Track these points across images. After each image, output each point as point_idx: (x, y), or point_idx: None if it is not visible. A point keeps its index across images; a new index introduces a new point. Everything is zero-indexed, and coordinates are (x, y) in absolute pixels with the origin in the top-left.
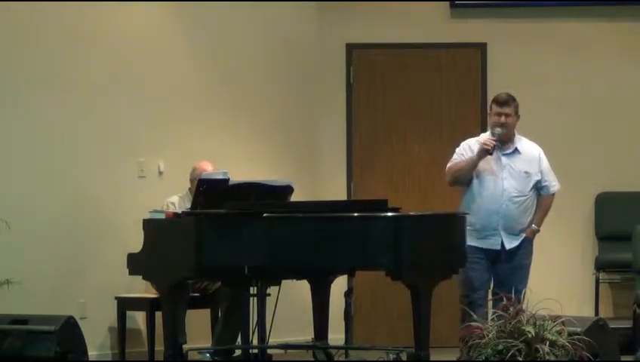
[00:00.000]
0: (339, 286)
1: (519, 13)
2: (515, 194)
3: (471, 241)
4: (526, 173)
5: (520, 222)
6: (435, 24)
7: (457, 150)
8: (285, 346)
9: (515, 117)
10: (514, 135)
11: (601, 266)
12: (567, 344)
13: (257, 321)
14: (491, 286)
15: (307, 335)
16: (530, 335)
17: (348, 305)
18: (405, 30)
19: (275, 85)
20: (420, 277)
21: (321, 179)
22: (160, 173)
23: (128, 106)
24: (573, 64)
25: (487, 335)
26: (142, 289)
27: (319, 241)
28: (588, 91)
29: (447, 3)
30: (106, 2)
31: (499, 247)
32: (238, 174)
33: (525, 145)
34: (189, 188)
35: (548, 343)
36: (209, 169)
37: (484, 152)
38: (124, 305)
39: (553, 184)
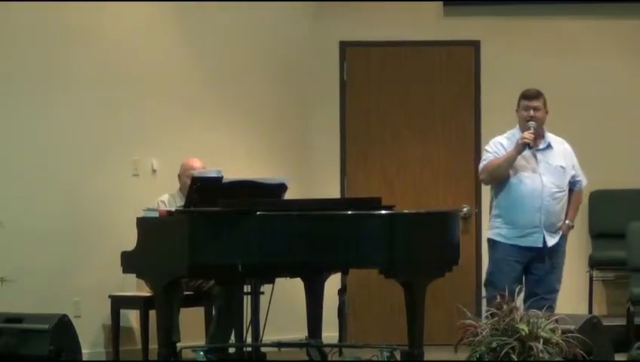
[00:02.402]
0: (332, 284)
1: (513, 10)
2: (555, 190)
3: (509, 240)
4: (562, 167)
5: (559, 218)
6: (429, 22)
7: (488, 148)
8: (279, 344)
9: (544, 111)
10: (544, 130)
11: (594, 264)
12: (561, 342)
13: (251, 319)
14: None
15: (301, 333)
16: (523, 333)
17: (341, 302)
18: (399, 28)
19: (268, 83)
20: (414, 275)
21: (315, 177)
22: (153, 171)
23: (122, 105)
24: (567, 62)
25: (481, 333)
26: (136, 287)
27: (313, 239)
28: (582, 89)
29: (441, 1)
30: (100, 1)
31: (541, 245)
32: (232, 172)
33: (555, 140)
34: (180, 187)
35: (542, 341)
36: (197, 165)
37: (524, 146)
38: (118, 303)
39: (584, 178)
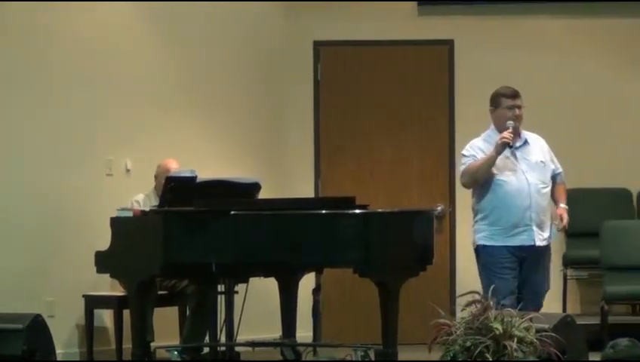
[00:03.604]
0: (307, 283)
1: (487, 9)
2: (541, 186)
3: (498, 241)
4: (542, 162)
5: (547, 215)
6: (402, 21)
7: (466, 153)
8: (253, 344)
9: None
10: (519, 128)
11: (569, 263)
12: (535, 341)
13: (225, 319)
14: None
15: (275, 333)
16: (497, 332)
17: (316, 302)
18: (372, 27)
19: (242, 83)
20: (388, 274)
21: (289, 177)
22: (127, 171)
23: (96, 105)
24: (542, 61)
25: (455, 332)
26: (110, 287)
27: (287, 239)
28: (557, 88)
29: (415, 1)
30: (74, 2)
31: (532, 243)
32: (206, 172)
33: (530, 136)
34: (155, 186)
35: (516, 340)
36: (174, 166)
37: (504, 146)
38: (92, 303)
39: (562, 170)
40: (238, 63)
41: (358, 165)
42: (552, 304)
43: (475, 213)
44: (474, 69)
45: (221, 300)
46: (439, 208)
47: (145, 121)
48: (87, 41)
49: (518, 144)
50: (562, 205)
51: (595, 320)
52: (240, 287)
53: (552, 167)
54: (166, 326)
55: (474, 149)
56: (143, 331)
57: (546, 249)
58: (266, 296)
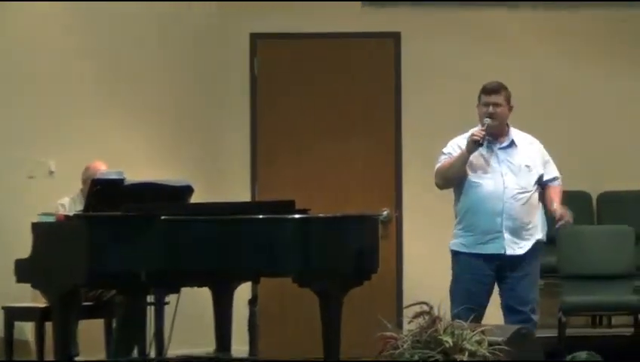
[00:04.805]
0: (242, 293)
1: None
2: (517, 191)
3: (471, 248)
4: (527, 166)
5: (524, 222)
6: (346, 12)
7: (444, 150)
8: (185, 358)
9: (506, 107)
10: (508, 127)
11: None
12: (488, 354)
13: (155, 331)
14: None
15: (209, 347)
16: (447, 345)
17: (252, 314)
18: (314, 19)
19: (174, 80)
20: (330, 283)
21: (223, 179)
22: (51, 173)
23: (17, 104)
24: (495, 55)
25: (402, 346)
26: (31, 298)
27: (221, 246)
28: (511, 85)
29: None
30: None
31: (503, 251)
32: (135, 174)
33: (521, 138)
34: (81, 189)
35: (467, 353)
36: (103, 169)
37: (474, 144)
38: (12, 315)
39: (559, 175)
40: (170, 58)
41: (298, 167)
42: (495, 314)
43: (455, 216)
44: (422, 63)
45: (151, 311)
46: (385, 212)
47: (71, 121)
48: (11, 39)
49: (504, 144)
50: (555, 204)
51: (553, 333)
52: (171, 298)
53: (541, 172)
54: (91, 340)
55: (452, 147)
56: (67, 345)
57: (524, 257)
58: (198, 307)
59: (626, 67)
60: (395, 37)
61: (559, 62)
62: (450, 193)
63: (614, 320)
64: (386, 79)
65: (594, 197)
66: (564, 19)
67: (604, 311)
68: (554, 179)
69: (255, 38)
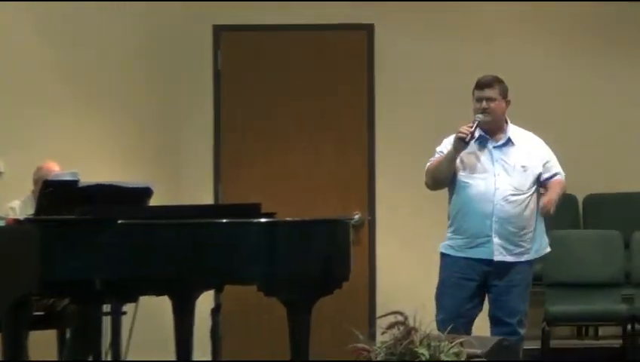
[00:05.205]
0: (205, 302)
1: None
2: (510, 192)
3: (459, 253)
4: (523, 167)
5: (517, 227)
6: (316, 3)
7: (438, 148)
8: None
9: (502, 101)
10: (505, 123)
11: None
12: None
13: (111, 343)
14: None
15: (169, 357)
16: (423, 358)
17: (215, 323)
18: (282, 10)
19: (132, 76)
20: (298, 292)
21: (185, 181)
22: (0, 173)
23: None
24: (475, 51)
25: (375, 358)
26: None
27: (182, 251)
28: None
29: None
30: None
31: (492, 257)
32: (90, 175)
33: (520, 135)
34: (32, 191)
35: None
36: (56, 169)
37: (460, 142)
38: None
39: (561, 172)
40: (128, 53)
41: (264, 168)
42: (486, 326)
43: (447, 217)
44: (396, 58)
45: (107, 322)
46: (356, 216)
47: (21, 119)
48: None
49: (499, 142)
50: (547, 196)
51: (536, 344)
52: (129, 307)
53: (537, 173)
54: (43, 351)
55: (445, 145)
56: (17, 357)
57: (514, 265)
58: (158, 316)
59: (612, 68)
60: (369, 29)
61: (544, 60)
62: (428, 195)
63: (601, 331)
64: (359, 74)
65: (580, 200)
66: (552, 14)
67: (590, 321)
68: (554, 175)
69: (218, 30)
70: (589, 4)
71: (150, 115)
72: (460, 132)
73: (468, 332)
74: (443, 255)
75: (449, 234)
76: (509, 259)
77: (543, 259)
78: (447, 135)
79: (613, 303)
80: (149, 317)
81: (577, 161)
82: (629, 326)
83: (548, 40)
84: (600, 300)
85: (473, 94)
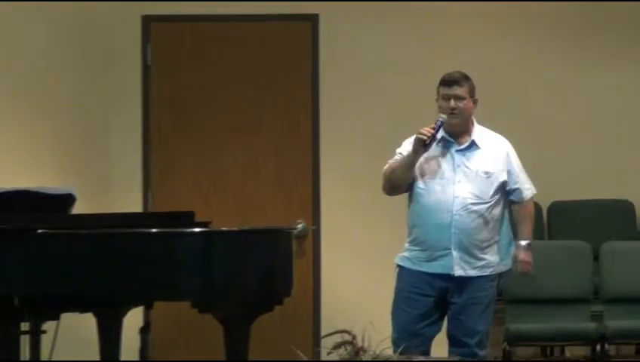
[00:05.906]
0: (133, 319)
1: None
2: (471, 201)
3: (417, 266)
4: (485, 173)
5: (478, 239)
6: None
7: (398, 149)
8: None
9: (470, 100)
10: (472, 124)
11: None
12: None
13: None
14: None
15: None
16: None
17: (144, 343)
18: None
19: (51, 69)
20: (235, 309)
21: (111, 187)
22: None
23: None
24: (431, 44)
25: None
26: None
27: (107, 264)
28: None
29: None
30: None
31: (451, 271)
32: (6, 180)
33: (486, 137)
34: None
35: None
36: None
37: (419, 144)
38: None
39: (527, 187)
40: (48, 45)
41: (198, 172)
42: (443, 345)
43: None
44: (343, 51)
45: (25, 342)
46: (299, 225)
47: None
48: None
49: (463, 145)
50: (521, 242)
51: None
52: (49, 325)
53: (501, 180)
54: None
55: (404, 146)
56: None
57: (474, 281)
58: (81, 335)
59: (578, 71)
60: (313, 20)
61: (506, 57)
62: (380, 201)
63: (568, 352)
64: (302, 69)
65: (544, 207)
66: (515, 5)
67: (555, 341)
68: (515, 190)
69: (148, 21)
70: (550, 3)
71: (73, 114)
72: (421, 133)
73: (425, 352)
74: (398, 267)
75: (407, 245)
76: (471, 273)
77: (507, 273)
78: (400, 133)
79: (581, 321)
80: (72, 336)
81: (542, 166)
82: (597, 347)
83: (517, 39)
84: (566, 318)
85: (438, 91)
